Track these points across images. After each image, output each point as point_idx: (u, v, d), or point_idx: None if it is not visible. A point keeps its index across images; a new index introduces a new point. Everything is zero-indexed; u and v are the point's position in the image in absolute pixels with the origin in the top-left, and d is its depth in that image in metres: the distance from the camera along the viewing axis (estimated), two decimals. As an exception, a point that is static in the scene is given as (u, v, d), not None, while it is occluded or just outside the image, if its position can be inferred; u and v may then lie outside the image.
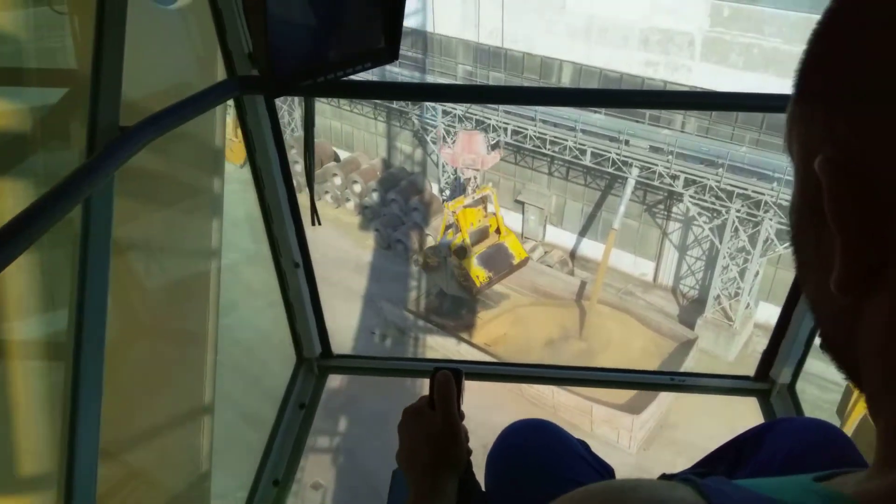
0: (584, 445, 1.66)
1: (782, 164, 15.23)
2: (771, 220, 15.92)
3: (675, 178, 17.31)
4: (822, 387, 10.67)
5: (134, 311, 1.92)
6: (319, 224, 2.24)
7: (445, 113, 20.24)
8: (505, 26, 19.73)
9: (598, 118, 18.61)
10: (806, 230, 0.55)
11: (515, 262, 18.62)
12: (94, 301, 1.64)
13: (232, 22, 1.88)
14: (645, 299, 18.90)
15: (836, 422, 4.81)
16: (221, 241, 2.22)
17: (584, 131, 18.36)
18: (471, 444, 1.39)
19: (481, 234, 18.45)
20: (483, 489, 1.57)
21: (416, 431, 1.32)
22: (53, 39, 1.61)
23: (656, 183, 17.78)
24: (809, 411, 2.31)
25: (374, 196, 21.84)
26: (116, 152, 1.55)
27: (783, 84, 0.59)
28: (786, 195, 15.06)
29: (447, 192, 21.45)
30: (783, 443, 1.42)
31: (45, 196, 1.24)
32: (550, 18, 18.91)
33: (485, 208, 18.44)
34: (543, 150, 19.38)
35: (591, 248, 20.33)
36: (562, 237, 21.07)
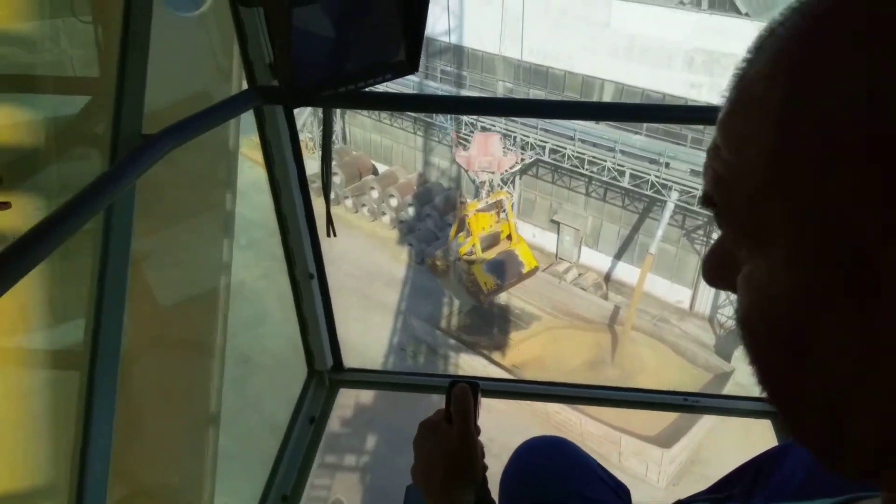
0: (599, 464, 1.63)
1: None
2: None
3: (715, 203, 16.92)
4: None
5: (143, 322, 1.92)
6: (335, 235, 2.23)
7: (485, 129, 20.27)
8: (546, 44, 19.73)
9: (637, 139, 18.39)
10: (822, 319, 0.49)
11: (525, 270, 18.39)
12: (112, 311, 1.64)
13: (254, 33, 1.89)
14: (680, 327, 18.44)
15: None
16: (232, 254, 2.22)
17: (623, 152, 18.14)
18: (490, 466, 1.35)
19: (492, 240, 18.28)
20: None
21: (433, 446, 1.29)
22: (78, 48, 1.64)
23: (696, 208, 17.41)
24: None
25: (410, 210, 21.95)
26: (138, 160, 1.56)
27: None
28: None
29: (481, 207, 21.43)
30: (801, 465, 1.34)
31: (68, 203, 1.24)
32: (593, 37, 18.83)
33: (498, 213, 18.25)
34: (581, 170, 19.21)
35: (626, 272, 19.99)
36: (597, 259, 20.79)
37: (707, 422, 14.11)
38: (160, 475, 2.20)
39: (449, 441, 1.28)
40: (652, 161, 17.79)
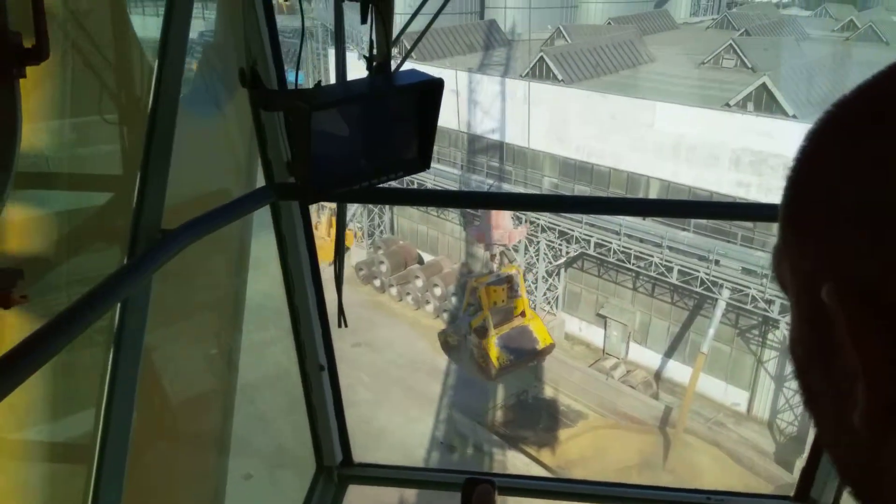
0: None
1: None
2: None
3: (769, 302, 16.32)
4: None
5: (150, 413, 1.93)
6: (346, 326, 2.24)
7: (529, 223, 20.47)
8: (592, 142, 20.13)
9: (685, 235, 18.18)
10: (815, 362, 0.54)
11: (540, 347, 17.81)
12: (122, 404, 1.67)
13: (273, 134, 2.00)
14: (737, 432, 17.35)
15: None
16: (241, 343, 2.24)
17: (671, 248, 17.90)
18: None
19: (505, 315, 17.87)
20: None
21: None
22: (102, 146, 1.76)
23: (749, 307, 16.82)
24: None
25: (454, 300, 21.96)
26: (157, 255, 1.62)
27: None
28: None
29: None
30: None
31: (84, 297, 1.29)
32: (639, 136, 19.14)
33: (510, 288, 17.93)
34: (628, 265, 18.97)
35: (677, 371, 19.19)
36: (646, 356, 20.08)
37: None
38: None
39: None
40: (701, 258, 17.46)
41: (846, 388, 0.48)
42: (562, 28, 26.71)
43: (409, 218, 25.27)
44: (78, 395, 1.82)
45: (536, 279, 20.84)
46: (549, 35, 26.63)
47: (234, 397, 2.24)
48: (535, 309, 20.78)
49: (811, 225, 0.50)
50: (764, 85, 18.03)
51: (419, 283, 22.87)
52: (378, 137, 1.81)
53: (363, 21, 1.83)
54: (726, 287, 16.96)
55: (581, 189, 20.80)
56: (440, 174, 22.46)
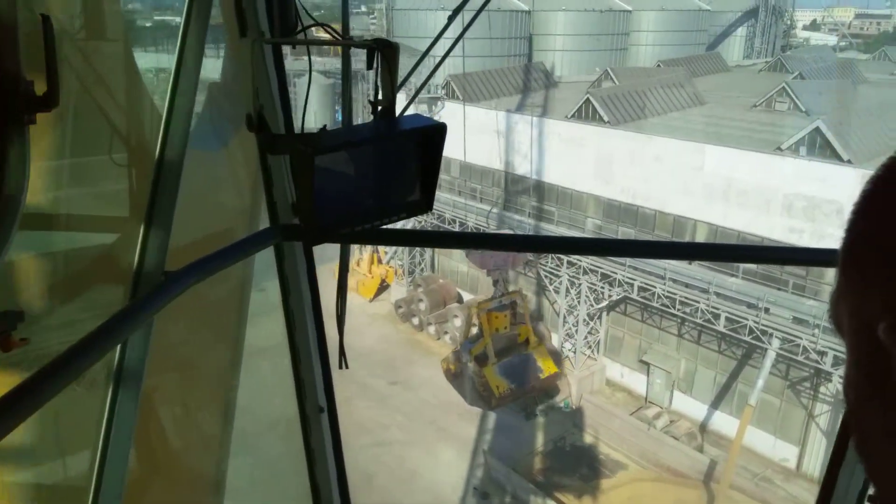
0: None
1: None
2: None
3: (822, 354, 15.54)
4: None
5: (145, 452, 1.93)
6: (347, 367, 2.21)
7: (570, 265, 20.19)
8: (638, 184, 19.86)
9: (734, 282, 17.58)
10: (870, 403, 0.55)
11: (543, 376, 17.20)
12: (118, 446, 1.66)
13: (279, 176, 2.02)
14: (785, 489, 16.39)
15: None
16: (238, 383, 2.22)
17: (718, 294, 17.32)
18: None
19: (508, 342, 17.38)
20: None
21: None
22: (109, 187, 1.79)
23: (800, 358, 16.05)
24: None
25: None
26: (159, 297, 1.62)
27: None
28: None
29: (567, 346, 20.80)
30: None
31: (87, 337, 1.29)
32: (687, 178, 18.80)
33: (513, 314, 17.46)
34: (672, 311, 18.42)
35: (723, 423, 18.35)
36: (690, 406, 19.29)
37: None
38: None
39: None
40: (750, 305, 16.83)
41: None
42: (609, 70, 26.76)
43: (448, 256, 25.31)
44: (75, 436, 1.82)
45: (577, 322, 20.43)
46: (597, 77, 26.71)
47: (230, 439, 2.22)
48: (574, 353, 20.34)
49: (871, 266, 0.53)
50: (818, 129, 17.54)
51: (457, 322, 22.72)
52: (382, 180, 1.81)
53: (369, 67, 1.85)
54: (776, 336, 16.25)
55: (625, 231, 20.47)
56: (481, 213, 22.57)
